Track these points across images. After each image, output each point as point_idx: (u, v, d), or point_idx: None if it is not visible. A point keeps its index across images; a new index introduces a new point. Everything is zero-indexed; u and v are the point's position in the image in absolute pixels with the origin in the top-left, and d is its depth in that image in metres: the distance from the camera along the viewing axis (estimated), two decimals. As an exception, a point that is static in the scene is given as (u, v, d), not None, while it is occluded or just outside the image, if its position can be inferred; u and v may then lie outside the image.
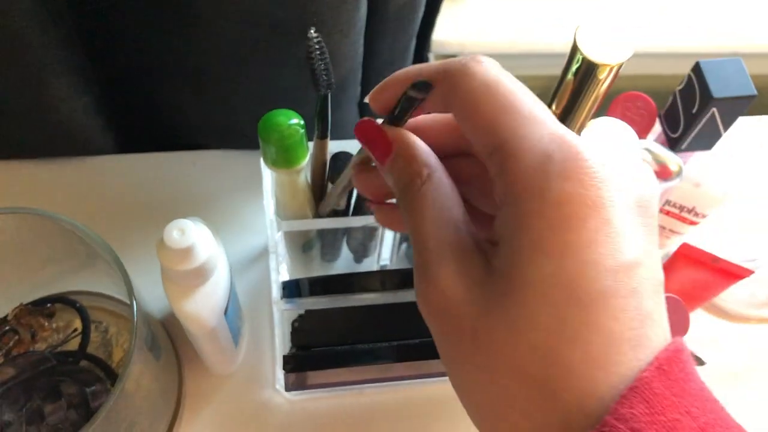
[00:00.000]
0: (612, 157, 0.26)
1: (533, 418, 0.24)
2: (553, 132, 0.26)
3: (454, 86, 0.27)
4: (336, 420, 0.57)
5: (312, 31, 0.37)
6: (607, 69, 0.41)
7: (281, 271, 0.58)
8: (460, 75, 0.27)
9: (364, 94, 0.62)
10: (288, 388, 0.45)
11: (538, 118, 0.26)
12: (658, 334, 0.25)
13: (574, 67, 0.43)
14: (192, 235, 0.43)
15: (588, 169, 0.25)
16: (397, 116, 0.29)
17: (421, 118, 0.31)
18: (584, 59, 0.41)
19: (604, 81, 0.42)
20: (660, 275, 0.26)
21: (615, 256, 0.24)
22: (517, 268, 0.25)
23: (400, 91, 0.29)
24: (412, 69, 0.29)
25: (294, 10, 0.47)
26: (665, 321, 0.26)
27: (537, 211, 0.25)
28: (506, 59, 0.81)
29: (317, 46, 0.38)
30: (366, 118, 0.30)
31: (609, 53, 0.41)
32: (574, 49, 0.42)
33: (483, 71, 0.27)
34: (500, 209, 0.26)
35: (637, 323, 0.24)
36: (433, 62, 0.29)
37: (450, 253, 0.27)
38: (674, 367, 0.24)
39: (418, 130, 0.30)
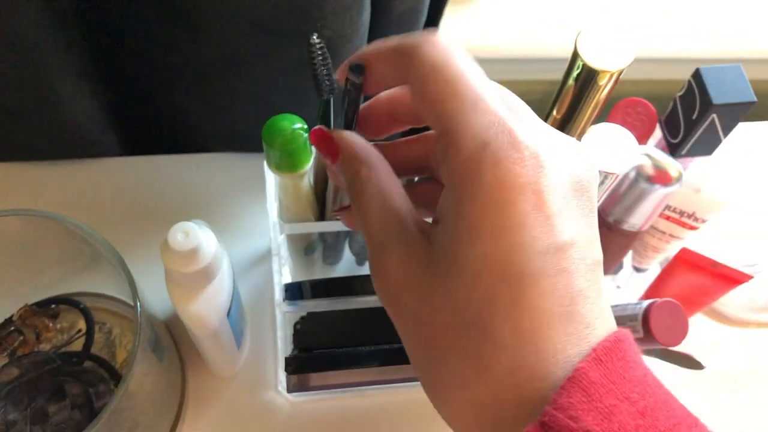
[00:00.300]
0: (548, 141, 0.27)
1: (471, 393, 0.26)
2: (493, 119, 0.26)
3: (406, 68, 0.28)
4: (338, 422, 0.57)
5: (314, 37, 0.37)
6: (608, 75, 0.42)
7: (284, 273, 0.58)
8: (410, 57, 0.28)
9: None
10: (290, 390, 0.45)
11: (481, 104, 0.27)
12: (591, 310, 0.26)
13: (574, 73, 0.43)
14: (196, 237, 0.43)
15: (521, 153, 0.26)
16: (347, 102, 0.31)
17: (395, 142, 0.34)
18: (585, 65, 0.42)
19: (604, 87, 0.43)
20: (596, 255, 0.27)
21: (545, 238, 0.25)
22: (454, 250, 0.26)
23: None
24: (367, 47, 0.31)
25: (297, 15, 0.47)
26: (603, 299, 0.27)
27: (471, 197, 0.26)
28: (510, 64, 0.82)
29: (319, 52, 0.38)
30: (318, 126, 0.31)
31: (609, 59, 0.41)
32: (575, 55, 0.42)
33: (432, 53, 0.27)
34: (442, 193, 0.28)
35: (567, 300, 0.25)
36: (391, 38, 0.29)
37: (394, 241, 0.28)
38: (613, 356, 0.25)
39: (391, 147, 0.34)
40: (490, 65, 0.83)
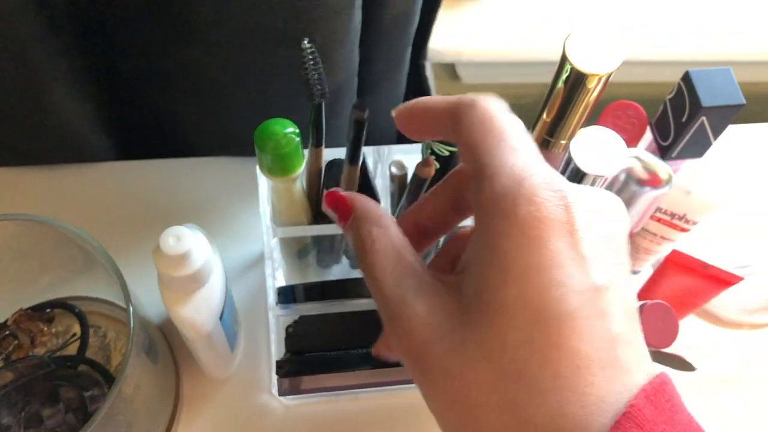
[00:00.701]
0: (584, 188, 0.28)
1: None
2: (529, 162, 0.27)
3: (460, 116, 0.29)
4: (331, 424, 0.58)
5: (305, 41, 0.38)
6: (596, 78, 0.42)
7: (277, 277, 0.59)
8: (465, 107, 0.29)
9: (359, 102, 0.63)
10: (281, 393, 0.45)
11: (521, 149, 0.27)
12: (631, 356, 0.25)
13: (563, 77, 0.43)
14: (188, 241, 0.44)
15: (557, 193, 0.26)
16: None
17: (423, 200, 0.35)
18: (573, 69, 0.42)
19: (593, 90, 0.43)
20: (633, 303, 0.27)
21: (581, 277, 0.25)
22: (485, 293, 0.25)
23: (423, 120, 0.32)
24: (429, 99, 0.32)
25: (289, 19, 0.48)
26: (641, 345, 0.26)
27: (504, 234, 0.25)
28: (502, 67, 0.82)
29: (311, 56, 0.38)
30: (332, 189, 0.32)
31: (598, 63, 0.42)
32: (563, 58, 0.42)
33: (484, 105, 0.28)
34: (471, 239, 0.27)
35: (607, 344, 0.25)
36: (451, 96, 0.31)
37: (415, 295, 0.27)
38: (661, 397, 0.24)
39: (418, 206, 0.34)
40: (484, 69, 0.83)
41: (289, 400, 0.58)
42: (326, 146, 0.48)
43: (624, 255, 0.28)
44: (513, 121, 0.28)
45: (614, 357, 0.25)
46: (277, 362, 0.43)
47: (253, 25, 0.49)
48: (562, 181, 0.27)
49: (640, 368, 0.25)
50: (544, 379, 0.24)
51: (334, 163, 0.52)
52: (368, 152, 0.54)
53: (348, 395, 0.58)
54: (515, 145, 0.27)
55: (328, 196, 0.32)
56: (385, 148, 0.54)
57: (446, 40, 0.72)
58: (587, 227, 0.26)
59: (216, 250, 0.49)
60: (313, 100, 0.40)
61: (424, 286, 0.28)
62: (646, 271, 0.58)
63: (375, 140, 0.70)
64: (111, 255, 0.46)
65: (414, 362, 0.27)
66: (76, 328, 0.56)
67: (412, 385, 0.56)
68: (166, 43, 0.54)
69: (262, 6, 0.47)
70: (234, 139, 0.65)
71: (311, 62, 0.38)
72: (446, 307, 0.27)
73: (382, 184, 0.52)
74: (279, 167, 0.46)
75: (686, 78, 0.48)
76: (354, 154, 0.44)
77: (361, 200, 0.31)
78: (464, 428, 0.26)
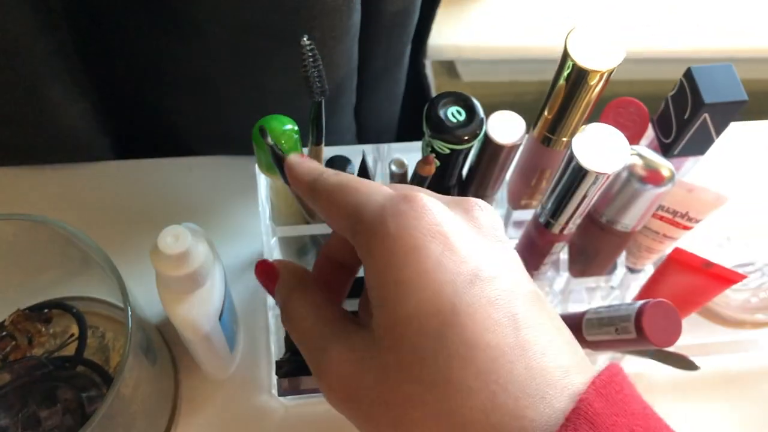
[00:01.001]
0: (431, 193, 0.30)
1: None
2: (385, 193, 0.29)
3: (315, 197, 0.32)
4: (331, 425, 0.57)
5: (305, 39, 0.37)
6: (598, 75, 0.42)
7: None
8: (316, 186, 0.32)
9: (359, 99, 0.62)
10: (281, 393, 0.45)
11: (374, 187, 0.29)
12: (541, 339, 0.25)
13: (565, 73, 0.43)
14: (186, 241, 0.43)
15: (414, 204, 0.27)
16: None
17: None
18: (575, 65, 0.42)
19: (595, 87, 0.43)
20: (526, 285, 0.27)
21: (465, 273, 0.26)
22: (388, 315, 0.26)
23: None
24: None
25: (287, 16, 0.47)
26: (554, 329, 0.26)
27: (383, 254, 0.26)
28: (502, 64, 0.82)
29: (310, 54, 0.38)
30: (261, 260, 0.35)
31: (599, 59, 0.41)
32: (565, 55, 0.42)
33: (328, 181, 0.31)
34: (365, 278, 0.28)
35: (511, 330, 0.25)
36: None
37: (333, 341, 0.28)
38: (612, 389, 0.24)
39: (326, 244, 0.36)
40: (483, 66, 0.83)
41: (288, 401, 0.57)
42: (326, 143, 0.48)
43: (495, 233, 0.29)
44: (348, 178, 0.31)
45: (523, 340, 0.25)
46: (277, 362, 0.43)
47: (250, 23, 0.49)
48: (412, 191, 0.28)
49: (559, 355, 0.25)
50: (469, 379, 0.24)
51: (334, 160, 0.52)
52: (368, 150, 0.54)
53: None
54: (368, 188, 0.29)
55: (258, 266, 0.34)
56: (384, 146, 0.54)
57: (446, 37, 0.72)
58: (453, 223, 0.27)
59: (215, 250, 0.49)
60: (314, 98, 0.40)
61: (342, 331, 0.29)
62: (648, 269, 0.57)
63: (375, 138, 0.70)
64: (109, 255, 0.46)
65: (344, 407, 0.28)
66: (74, 329, 0.55)
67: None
68: (163, 41, 0.54)
69: (261, 3, 0.47)
70: (233, 137, 0.64)
71: (311, 59, 0.38)
72: (365, 342, 0.27)
73: (382, 182, 0.52)
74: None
75: (688, 74, 0.47)
76: (317, 135, 0.44)
77: (287, 266, 0.33)
78: None
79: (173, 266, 0.44)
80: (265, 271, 0.34)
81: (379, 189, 0.29)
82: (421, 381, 0.25)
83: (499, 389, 0.24)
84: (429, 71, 0.74)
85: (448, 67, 0.82)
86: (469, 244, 0.27)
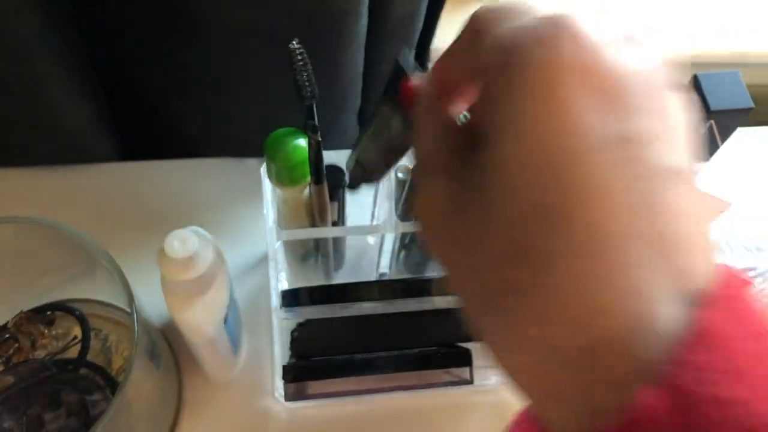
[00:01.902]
0: (600, 24, 0.22)
1: (541, 343, 0.21)
2: (537, 15, 0.23)
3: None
4: (334, 429, 0.57)
5: (294, 42, 0.37)
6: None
7: (281, 280, 0.58)
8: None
9: (364, 104, 0.62)
10: (288, 398, 0.45)
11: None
12: (685, 235, 0.21)
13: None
14: (193, 245, 0.43)
15: (571, 29, 0.21)
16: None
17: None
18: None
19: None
20: (678, 158, 0.22)
21: (608, 125, 0.21)
22: (495, 155, 0.22)
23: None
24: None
25: (298, 23, 0.47)
26: (694, 220, 0.21)
27: (511, 83, 0.21)
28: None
29: (299, 57, 0.38)
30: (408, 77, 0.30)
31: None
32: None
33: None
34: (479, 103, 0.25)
35: (649, 219, 0.20)
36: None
37: (440, 169, 0.25)
38: (734, 302, 0.21)
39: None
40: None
41: (291, 404, 0.57)
42: (331, 147, 0.48)
43: (660, 96, 0.22)
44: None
45: (661, 233, 0.20)
46: (284, 367, 0.43)
47: (258, 27, 0.49)
48: (575, 17, 0.22)
49: (699, 257, 0.21)
50: (566, 265, 0.20)
51: (332, 169, 0.51)
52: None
53: (352, 399, 0.58)
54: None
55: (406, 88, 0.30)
56: (390, 151, 0.54)
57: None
58: (612, 62, 0.21)
59: (221, 254, 0.49)
60: (304, 102, 0.40)
61: (449, 159, 0.25)
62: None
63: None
64: (114, 258, 0.46)
65: (429, 233, 0.25)
66: (77, 331, 0.55)
67: (417, 390, 0.56)
68: (170, 45, 0.54)
69: (271, 8, 0.47)
70: (238, 139, 0.64)
71: (300, 63, 0.38)
72: (467, 181, 0.24)
73: (387, 188, 0.52)
74: (287, 177, 0.46)
75: (694, 81, 0.47)
76: (318, 174, 0.44)
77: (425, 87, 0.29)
78: (486, 311, 0.23)
79: (180, 270, 0.44)
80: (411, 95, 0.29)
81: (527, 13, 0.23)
82: (508, 243, 0.21)
83: (614, 290, 0.20)
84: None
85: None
86: (625, 94, 0.21)
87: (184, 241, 0.43)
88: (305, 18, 0.47)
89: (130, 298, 0.44)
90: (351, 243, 0.64)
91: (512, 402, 0.59)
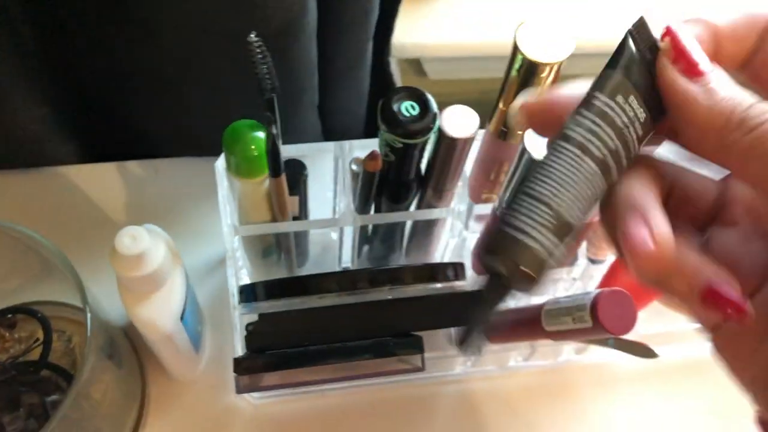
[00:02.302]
0: None
1: None
2: None
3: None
4: (300, 423, 0.58)
5: (252, 36, 0.37)
6: (548, 67, 0.42)
7: (242, 277, 0.58)
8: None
9: (322, 98, 0.63)
10: (240, 391, 0.45)
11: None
12: None
13: (516, 66, 0.43)
14: (143, 241, 0.43)
15: None
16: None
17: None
18: (525, 59, 0.42)
19: (546, 79, 0.43)
20: None
21: None
22: None
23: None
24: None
25: (240, 17, 0.47)
26: None
27: None
28: (468, 62, 0.82)
29: (258, 50, 0.38)
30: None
31: (549, 52, 0.42)
32: (515, 48, 0.43)
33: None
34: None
35: None
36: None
37: None
38: None
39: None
40: (450, 64, 0.83)
41: (257, 400, 0.57)
42: (290, 142, 0.48)
43: None
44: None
45: None
46: (235, 360, 0.43)
47: (204, 25, 0.49)
48: None
49: None
50: None
51: (290, 164, 0.52)
52: (329, 148, 0.54)
53: (316, 393, 0.58)
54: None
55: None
56: (346, 144, 0.54)
57: (409, 35, 0.72)
58: None
59: (176, 250, 0.49)
60: (264, 95, 0.40)
61: None
62: (609, 260, 0.58)
63: (342, 137, 0.70)
64: (74, 260, 0.46)
65: None
66: (40, 333, 0.55)
67: (383, 382, 0.56)
68: (123, 45, 0.54)
69: (212, 5, 0.47)
70: (197, 138, 0.64)
71: (259, 56, 0.38)
72: None
73: (344, 180, 0.52)
74: (246, 169, 0.46)
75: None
76: (275, 166, 0.44)
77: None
78: None
79: (131, 267, 0.44)
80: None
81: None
82: None
83: None
84: (395, 70, 0.74)
85: (415, 66, 0.82)
86: None
87: (134, 238, 0.43)
88: (250, 12, 0.47)
89: (82, 294, 0.44)
90: (315, 239, 0.65)
91: (475, 391, 0.59)
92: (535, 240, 0.24)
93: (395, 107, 0.44)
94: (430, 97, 0.45)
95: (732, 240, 0.26)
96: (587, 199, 0.24)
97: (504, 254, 0.24)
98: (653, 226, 0.23)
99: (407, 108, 0.44)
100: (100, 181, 0.67)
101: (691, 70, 0.24)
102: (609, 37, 0.77)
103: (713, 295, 0.23)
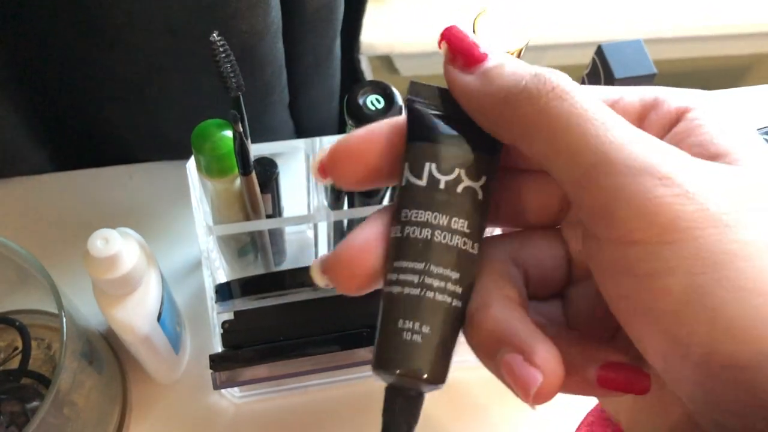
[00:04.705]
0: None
1: None
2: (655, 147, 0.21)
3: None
4: (283, 421, 0.58)
5: (215, 35, 0.38)
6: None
7: (218, 276, 0.59)
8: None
9: (292, 96, 0.63)
10: (216, 386, 0.45)
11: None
12: None
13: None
14: (116, 243, 0.44)
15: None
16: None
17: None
18: (483, 48, 0.43)
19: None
20: None
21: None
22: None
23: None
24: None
25: (202, 16, 0.48)
26: None
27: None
28: (438, 57, 0.83)
29: (221, 49, 0.38)
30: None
31: (506, 41, 0.43)
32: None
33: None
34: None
35: None
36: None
37: None
38: None
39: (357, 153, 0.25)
40: (420, 60, 0.84)
41: (239, 399, 0.58)
42: (259, 141, 0.48)
43: None
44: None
45: None
46: (210, 356, 0.44)
47: (166, 26, 0.49)
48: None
49: None
50: None
51: (261, 162, 0.52)
52: (300, 145, 0.54)
53: (297, 390, 0.59)
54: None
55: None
56: (317, 140, 0.55)
57: (377, 32, 0.73)
58: None
59: (150, 251, 0.49)
60: (230, 93, 0.40)
61: None
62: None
63: (311, 134, 0.70)
64: (51, 267, 0.46)
65: None
66: (19, 342, 0.55)
67: (357, 375, 0.56)
68: (89, 51, 0.54)
69: (173, 5, 0.47)
70: (170, 142, 0.65)
71: (222, 55, 0.39)
72: None
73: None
74: (216, 168, 0.47)
75: (599, 52, 0.49)
76: (244, 165, 0.45)
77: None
78: None
79: (105, 269, 0.44)
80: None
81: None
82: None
83: None
84: (366, 67, 0.75)
85: (387, 63, 0.83)
86: None
87: (106, 240, 0.44)
88: (213, 12, 0.47)
89: (58, 301, 0.45)
90: (291, 237, 0.65)
91: (458, 380, 0.60)
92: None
93: (361, 101, 0.45)
94: (395, 90, 0.45)
95: (589, 292, 0.25)
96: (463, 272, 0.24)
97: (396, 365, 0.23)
98: (537, 361, 0.21)
99: (372, 102, 0.45)
100: (75, 188, 0.67)
101: (469, 62, 0.23)
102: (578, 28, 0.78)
103: (608, 381, 0.23)
